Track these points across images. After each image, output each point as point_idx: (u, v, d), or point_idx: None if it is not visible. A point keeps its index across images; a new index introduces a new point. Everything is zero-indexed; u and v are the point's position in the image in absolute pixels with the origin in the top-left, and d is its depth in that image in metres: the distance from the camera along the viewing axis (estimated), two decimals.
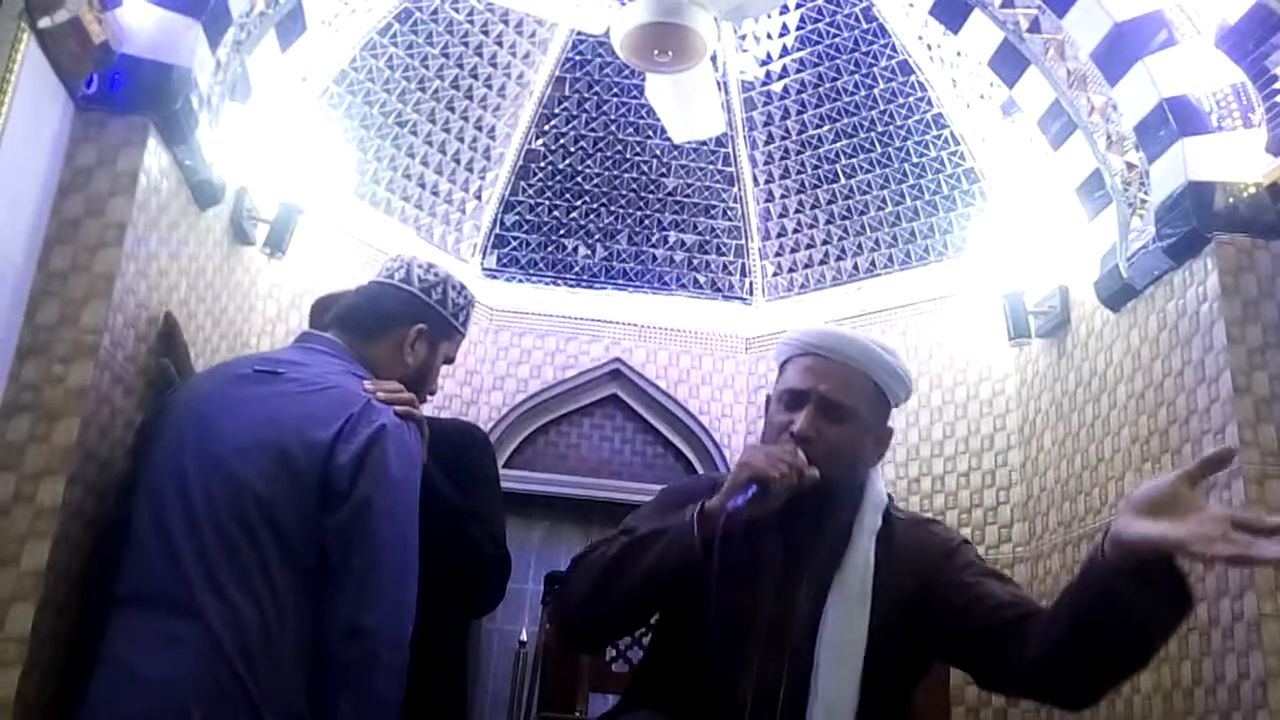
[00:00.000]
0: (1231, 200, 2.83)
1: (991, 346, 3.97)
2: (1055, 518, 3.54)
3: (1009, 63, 3.50)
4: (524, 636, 3.85)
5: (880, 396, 1.87)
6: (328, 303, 2.55)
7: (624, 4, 3.40)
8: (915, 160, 4.37)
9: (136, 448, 2.11)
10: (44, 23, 2.18)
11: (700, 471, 4.59)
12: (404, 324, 2.15)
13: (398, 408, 1.95)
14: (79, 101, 2.39)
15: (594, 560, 1.80)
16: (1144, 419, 3.06)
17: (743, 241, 4.91)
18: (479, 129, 4.56)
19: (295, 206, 3.27)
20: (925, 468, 4.12)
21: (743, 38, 4.61)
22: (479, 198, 4.70)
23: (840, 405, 1.81)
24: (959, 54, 3.97)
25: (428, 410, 2.14)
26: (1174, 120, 2.94)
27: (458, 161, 4.56)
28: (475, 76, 4.43)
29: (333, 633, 1.77)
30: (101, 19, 2.37)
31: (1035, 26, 3.32)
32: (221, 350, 3.05)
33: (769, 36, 4.56)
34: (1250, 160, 2.84)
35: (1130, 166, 3.17)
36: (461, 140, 4.54)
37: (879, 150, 4.48)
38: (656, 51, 3.48)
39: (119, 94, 2.41)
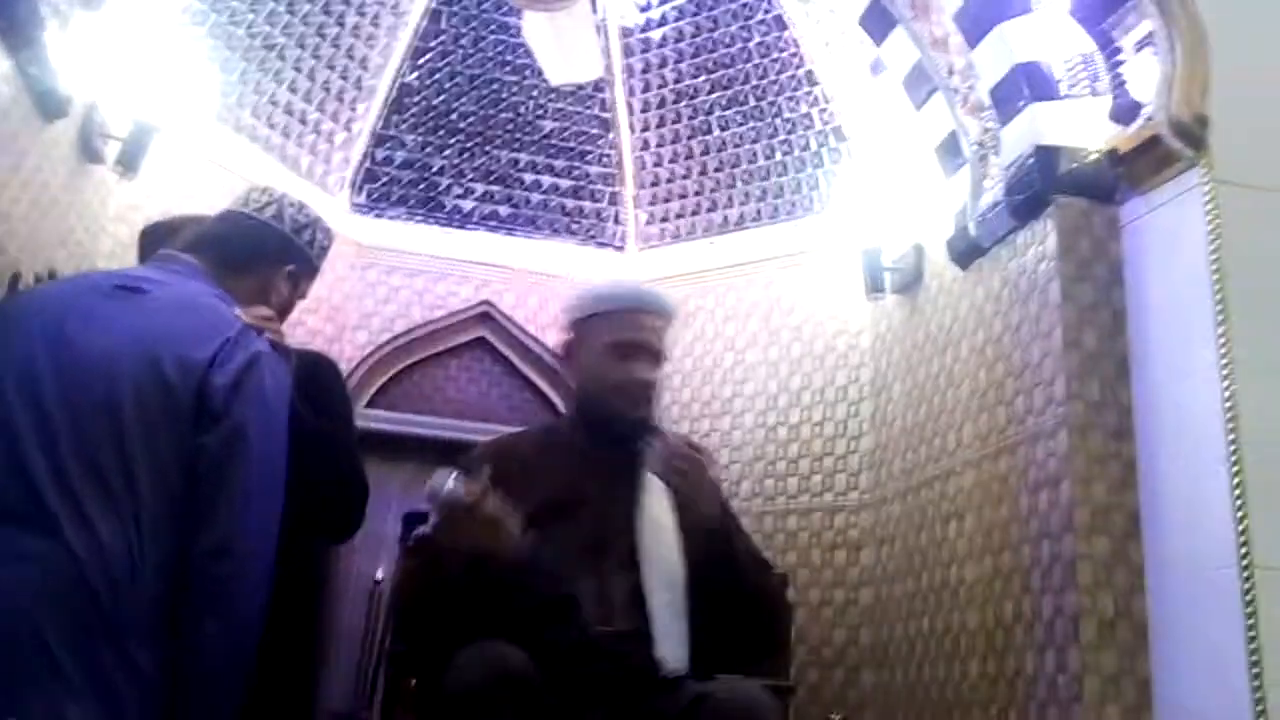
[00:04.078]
0: (1074, 165, 2.96)
1: (849, 301, 4.09)
2: (899, 465, 3.68)
3: (878, 21, 3.59)
4: (379, 575, 3.84)
5: None
6: (163, 228, 2.50)
7: None
8: (786, 116, 4.44)
9: None
10: None
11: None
12: (273, 263, 2.14)
13: (270, 335, 1.95)
14: None
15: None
16: (983, 371, 3.20)
17: (617, 188, 4.92)
18: (350, 58, 4.46)
19: (150, 126, 3.16)
20: (782, 417, 4.22)
21: None
22: (349, 129, 4.60)
23: (661, 353, 2.09)
24: (831, 11, 4.04)
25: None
26: (1026, 86, 3.06)
27: (328, 90, 4.45)
28: (348, 3, 4.32)
29: (201, 552, 1.73)
30: None
31: None
32: (68, 271, 2.94)
33: None
34: (1094, 127, 2.98)
35: (985, 129, 3.28)
36: (332, 69, 4.43)
37: (752, 104, 4.54)
38: None
39: None
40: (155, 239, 2.46)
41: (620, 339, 2.05)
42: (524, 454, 2.11)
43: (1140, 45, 2.88)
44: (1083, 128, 3.00)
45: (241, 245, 2.14)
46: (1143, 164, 2.85)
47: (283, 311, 2.16)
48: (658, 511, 1.98)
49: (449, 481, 1.77)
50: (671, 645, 1.86)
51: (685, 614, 1.90)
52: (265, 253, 2.14)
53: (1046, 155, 2.97)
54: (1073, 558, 2.66)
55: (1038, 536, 2.81)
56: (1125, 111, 2.92)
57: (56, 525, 1.68)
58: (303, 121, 4.42)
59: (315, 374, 2.35)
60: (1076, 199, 2.94)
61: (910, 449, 3.61)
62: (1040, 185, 2.97)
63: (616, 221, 4.95)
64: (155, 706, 1.71)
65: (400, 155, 4.76)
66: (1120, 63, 2.97)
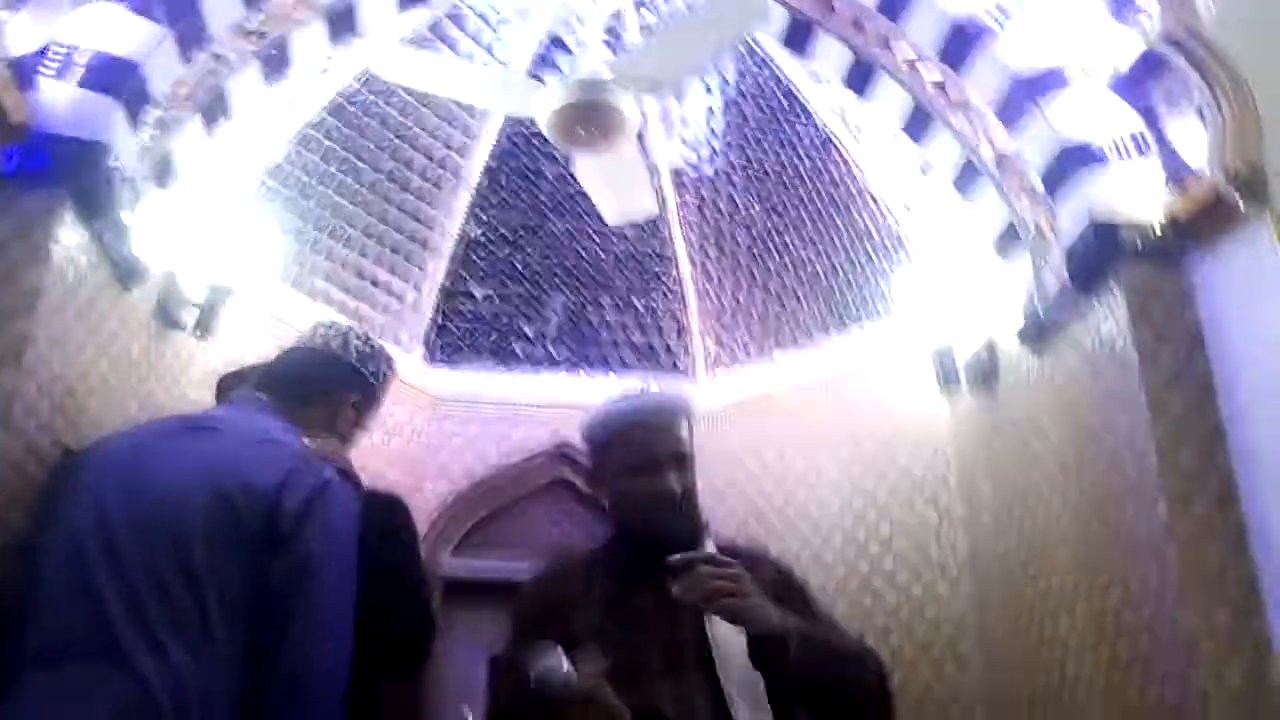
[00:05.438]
0: (1134, 234, 2.89)
1: (927, 404, 4.00)
2: (1000, 565, 3.52)
3: (920, 124, 3.63)
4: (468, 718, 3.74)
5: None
6: (238, 375, 2.59)
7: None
8: (843, 229, 4.47)
9: (41, 508, 2.06)
10: None
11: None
12: (339, 394, 2.21)
13: (338, 464, 1.97)
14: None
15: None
16: (1070, 450, 3.08)
17: (682, 319, 4.97)
18: (417, 220, 4.63)
19: (225, 289, 3.29)
20: (872, 531, 4.10)
21: (669, 124, 4.75)
22: (418, 288, 4.75)
23: (683, 456, 2.02)
24: (873, 122, 4.11)
25: None
26: (1074, 164, 3.03)
27: (396, 252, 4.61)
28: (410, 168, 4.52)
29: (273, 680, 1.71)
30: (18, 99, 2.43)
31: (940, 86, 3.45)
32: None
33: (696, 122, 4.71)
34: (1150, 195, 2.93)
35: (1040, 213, 3.26)
36: (400, 231, 4.60)
37: (809, 225, 4.59)
38: (581, 131, 3.55)
39: (37, 169, 2.44)
40: (230, 386, 2.55)
41: (635, 461, 2.01)
42: (574, 580, 2.06)
43: (1185, 109, 2.87)
44: (1138, 198, 2.95)
45: (308, 377, 2.20)
46: (1205, 224, 2.78)
47: (347, 440, 2.21)
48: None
49: (562, 665, 1.72)
50: None
51: (770, 712, 1.81)
52: (329, 384, 2.21)
53: (1105, 230, 2.92)
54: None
55: (1155, 614, 2.64)
56: (1180, 176, 2.88)
57: (130, 658, 1.67)
58: (374, 282, 4.57)
59: (384, 513, 2.37)
60: (1142, 267, 2.87)
61: (1007, 544, 3.46)
62: (1101, 259, 2.91)
63: (684, 352, 4.98)
64: None
65: (469, 308, 4.89)
66: (1167, 129, 2.95)
